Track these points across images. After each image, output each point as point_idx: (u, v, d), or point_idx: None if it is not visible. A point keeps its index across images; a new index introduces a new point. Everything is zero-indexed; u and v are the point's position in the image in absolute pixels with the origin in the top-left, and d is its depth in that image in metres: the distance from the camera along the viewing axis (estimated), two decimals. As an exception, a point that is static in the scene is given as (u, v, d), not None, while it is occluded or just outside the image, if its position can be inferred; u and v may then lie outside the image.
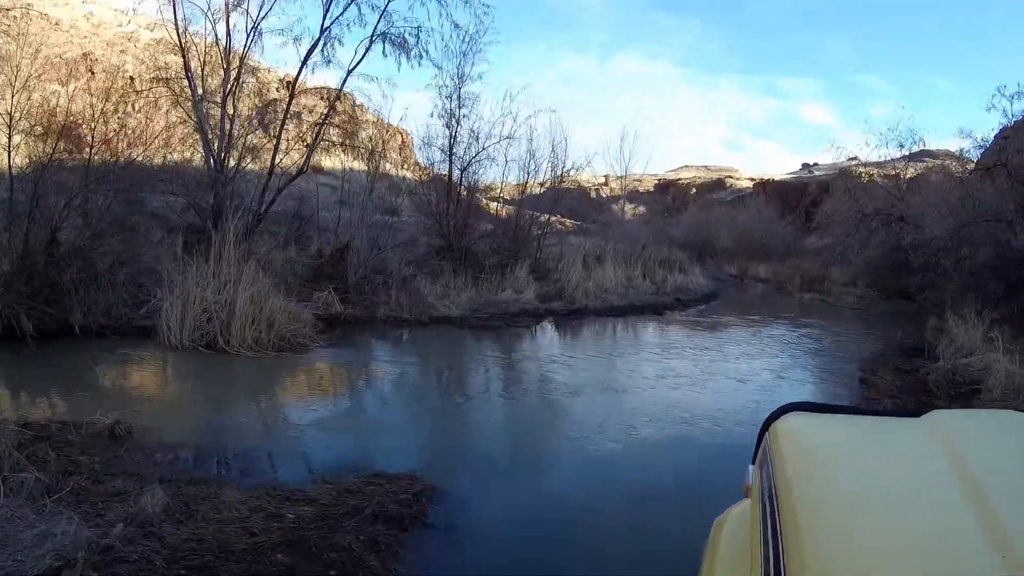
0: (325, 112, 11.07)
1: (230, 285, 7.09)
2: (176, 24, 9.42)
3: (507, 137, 13.32)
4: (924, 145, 17.29)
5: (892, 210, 15.92)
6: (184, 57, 9.50)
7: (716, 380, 7.22)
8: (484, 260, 12.55)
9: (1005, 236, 9.81)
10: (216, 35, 9.72)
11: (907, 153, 17.21)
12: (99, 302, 7.11)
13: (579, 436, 4.99)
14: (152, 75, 10.64)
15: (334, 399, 5.89)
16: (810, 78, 79.62)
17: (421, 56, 10.71)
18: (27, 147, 7.41)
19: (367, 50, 10.46)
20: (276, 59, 13.20)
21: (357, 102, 13.98)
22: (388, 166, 16.25)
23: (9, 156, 7.10)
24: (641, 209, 32.86)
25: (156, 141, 8.78)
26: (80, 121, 7.41)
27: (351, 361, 7.37)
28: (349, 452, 4.34)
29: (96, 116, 7.41)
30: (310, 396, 5.94)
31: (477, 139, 12.95)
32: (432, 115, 12.84)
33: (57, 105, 7.72)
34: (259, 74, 11.70)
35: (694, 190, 37.39)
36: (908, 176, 17.98)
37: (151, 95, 10.20)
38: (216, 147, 9.52)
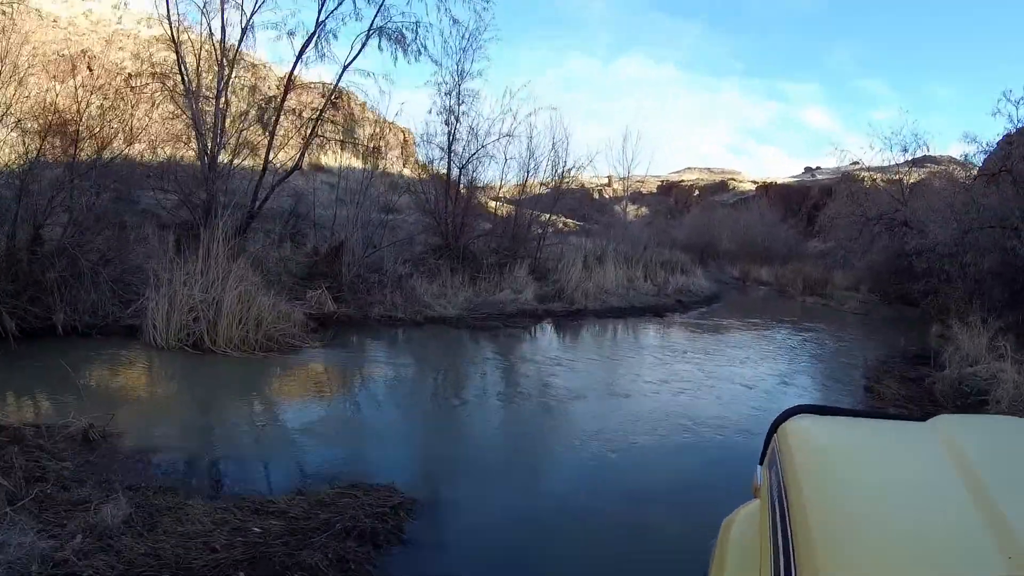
0: (320, 108, 10.92)
1: (217, 283, 6.94)
2: (169, 18, 9.32)
3: (507, 135, 13.19)
4: (927, 150, 17.18)
5: (895, 215, 15.78)
6: (177, 52, 9.37)
7: (720, 386, 7.05)
8: (482, 259, 12.37)
9: (1010, 242, 9.64)
10: (211, 29, 9.62)
11: (910, 158, 17.03)
12: (84, 301, 6.96)
13: (575, 445, 4.80)
14: (146, 70, 10.51)
15: (318, 402, 5.67)
16: (812, 83, 79.45)
17: (419, 51, 10.61)
18: (13, 142, 7.26)
19: (363, 45, 10.35)
20: (274, 56, 13.10)
21: (359, 101, 13.85)
22: (385, 162, 16.07)
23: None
24: (644, 210, 32.73)
25: (146, 135, 8.62)
26: (69, 117, 7.25)
27: (340, 362, 7.18)
28: (329, 460, 4.15)
29: (82, 110, 7.24)
30: (294, 399, 5.77)
31: (476, 136, 12.82)
32: (431, 112, 12.68)
33: (46, 101, 7.57)
34: (257, 70, 11.58)
35: (697, 192, 37.25)
36: (911, 181, 17.81)
37: (146, 90, 10.08)
38: (209, 143, 9.38)
